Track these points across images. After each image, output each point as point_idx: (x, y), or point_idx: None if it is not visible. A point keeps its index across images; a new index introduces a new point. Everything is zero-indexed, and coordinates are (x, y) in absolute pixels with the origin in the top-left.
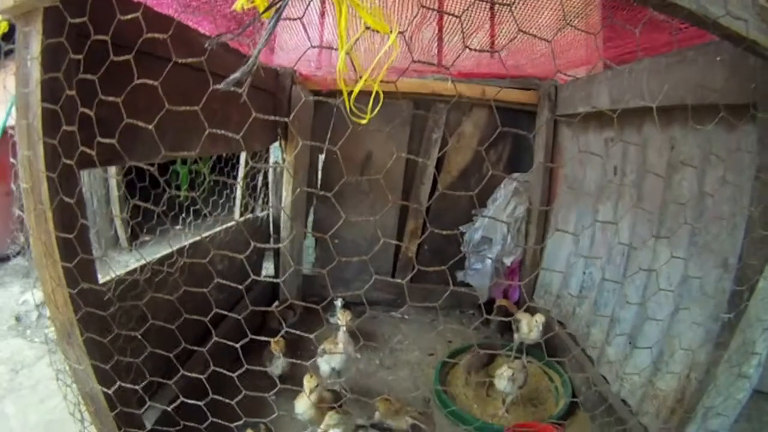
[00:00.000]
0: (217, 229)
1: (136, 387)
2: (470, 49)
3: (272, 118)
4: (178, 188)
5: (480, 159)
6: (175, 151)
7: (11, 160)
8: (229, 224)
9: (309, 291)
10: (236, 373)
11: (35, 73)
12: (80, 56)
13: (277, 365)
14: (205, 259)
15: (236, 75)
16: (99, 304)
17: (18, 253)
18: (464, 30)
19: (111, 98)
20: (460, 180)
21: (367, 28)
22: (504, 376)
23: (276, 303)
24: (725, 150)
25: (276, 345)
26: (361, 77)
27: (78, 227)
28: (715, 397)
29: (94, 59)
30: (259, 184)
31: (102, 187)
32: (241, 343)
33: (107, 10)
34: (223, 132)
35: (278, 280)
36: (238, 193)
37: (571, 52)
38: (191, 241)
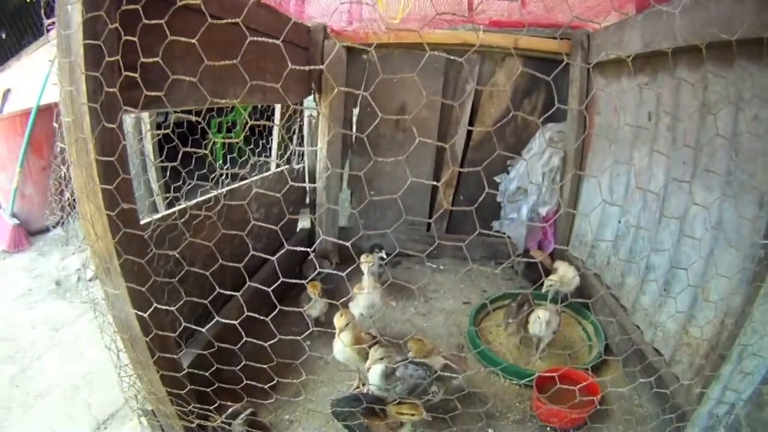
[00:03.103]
0: (255, 177)
1: (171, 308)
2: None
3: (307, 68)
4: (213, 153)
5: (514, 109)
6: (212, 98)
7: (54, 125)
8: (266, 174)
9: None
10: (270, 317)
11: (77, 15)
12: None
13: (315, 307)
14: (243, 204)
15: None
16: (137, 226)
17: (57, 224)
18: None
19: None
20: (495, 131)
21: None
22: (538, 321)
23: (312, 252)
24: (758, 86)
25: (313, 288)
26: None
27: (119, 150)
28: (751, 335)
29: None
30: (295, 137)
31: (139, 155)
32: (272, 286)
33: None
34: (259, 83)
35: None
36: (275, 144)
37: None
38: (229, 188)
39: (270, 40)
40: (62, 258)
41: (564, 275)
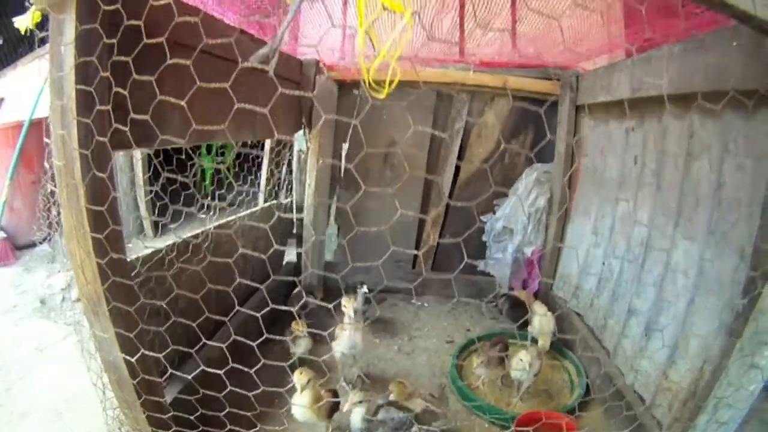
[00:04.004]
0: (242, 213)
1: (158, 356)
2: (490, 30)
3: (297, 93)
4: (203, 177)
5: (502, 149)
6: (202, 136)
7: (45, 140)
8: (254, 209)
9: (331, 277)
10: (256, 342)
11: (69, 58)
12: (113, 40)
13: (300, 344)
14: (229, 242)
15: (264, 50)
16: (126, 275)
17: (44, 240)
18: (486, 12)
19: (145, 77)
20: (483, 170)
21: (384, 8)
22: (521, 363)
23: (298, 285)
24: (743, 137)
25: (297, 325)
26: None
27: (109, 200)
28: (726, 387)
29: (126, 44)
30: (284, 172)
31: (128, 171)
32: (261, 312)
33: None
34: (250, 107)
35: (296, 278)
36: (263, 178)
37: (591, 40)
38: (216, 224)
39: (262, 66)
40: (48, 275)
41: (540, 328)
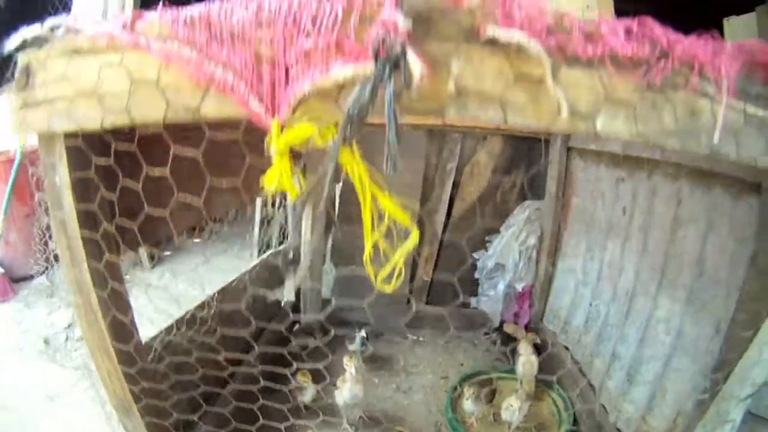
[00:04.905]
0: (241, 273)
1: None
2: None
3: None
4: None
5: (494, 187)
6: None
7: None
8: (252, 265)
9: (329, 315)
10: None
11: (67, 198)
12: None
13: (306, 393)
14: (233, 303)
15: (290, 288)
16: (150, 378)
17: (41, 273)
18: None
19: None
20: (475, 208)
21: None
22: (509, 409)
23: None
24: (729, 216)
25: (303, 377)
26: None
27: (127, 313)
28: None
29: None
30: (280, 217)
31: None
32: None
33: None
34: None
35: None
36: (256, 230)
37: None
38: (219, 288)
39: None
40: (49, 312)
41: (524, 373)
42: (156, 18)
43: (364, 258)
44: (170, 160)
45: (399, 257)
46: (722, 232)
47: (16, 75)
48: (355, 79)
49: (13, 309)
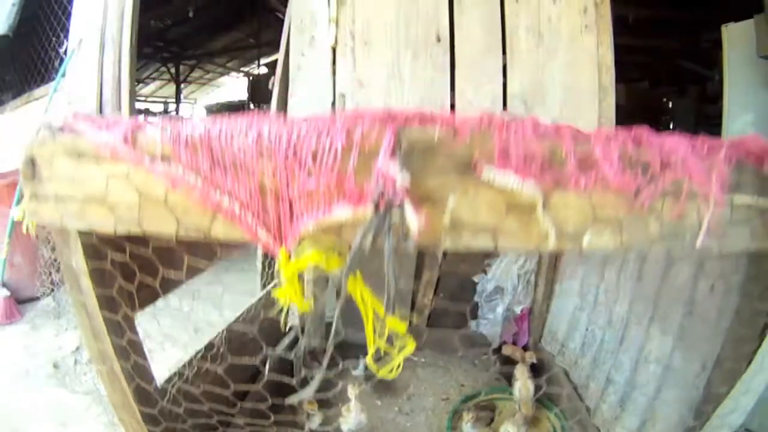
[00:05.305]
0: (244, 309)
1: None
2: None
3: None
4: None
5: None
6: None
7: None
8: (259, 297)
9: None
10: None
11: (85, 283)
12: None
13: (314, 420)
14: (240, 338)
15: (307, 392)
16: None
17: (48, 294)
18: None
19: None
20: None
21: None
22: None
23: (300, 351)
24: (718, 262)
25: (311, 405)
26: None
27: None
28: None
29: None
30: None
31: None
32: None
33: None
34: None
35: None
36: (259, 264)
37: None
38: (225, 327)
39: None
40: (56, 334)
41: (520, 397)
42: (157, 135)
43: (367, 360)
44: None
45: (399, 359)
46: (711, 277)
47: (21, 165)
48: (355, 222)
49: (20, 331)
